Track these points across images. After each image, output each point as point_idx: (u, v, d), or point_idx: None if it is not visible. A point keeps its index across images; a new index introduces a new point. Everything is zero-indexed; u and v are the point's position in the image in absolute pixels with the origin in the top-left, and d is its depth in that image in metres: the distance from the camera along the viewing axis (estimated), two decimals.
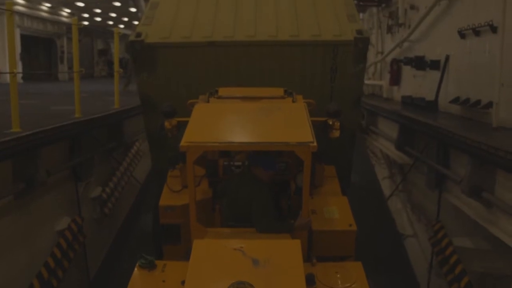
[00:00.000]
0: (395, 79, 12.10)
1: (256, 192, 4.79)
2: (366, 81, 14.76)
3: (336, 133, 5.63)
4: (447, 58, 9.01)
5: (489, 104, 7.18)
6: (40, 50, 33.39)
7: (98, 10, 42.46)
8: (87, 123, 7.98)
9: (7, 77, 6.63)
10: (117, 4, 37.06)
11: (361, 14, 15.70)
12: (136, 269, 4.42)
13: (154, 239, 6.52)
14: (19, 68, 23.14)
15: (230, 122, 4.98)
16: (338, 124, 5.61)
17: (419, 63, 10.19)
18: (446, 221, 7.32)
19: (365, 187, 12.06)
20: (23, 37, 27.66)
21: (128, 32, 29.46)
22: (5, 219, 5.93)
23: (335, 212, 5.41)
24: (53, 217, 7.21)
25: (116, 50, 10.96)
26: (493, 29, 7.18)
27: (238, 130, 4.83)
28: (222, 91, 5.80)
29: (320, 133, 5.35)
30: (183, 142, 4.36)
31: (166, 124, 5.76)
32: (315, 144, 4.31)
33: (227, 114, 5.18)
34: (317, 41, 6.69)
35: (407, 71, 11.36)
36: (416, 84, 10.87)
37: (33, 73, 30.57)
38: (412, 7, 11.17)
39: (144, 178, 11.99)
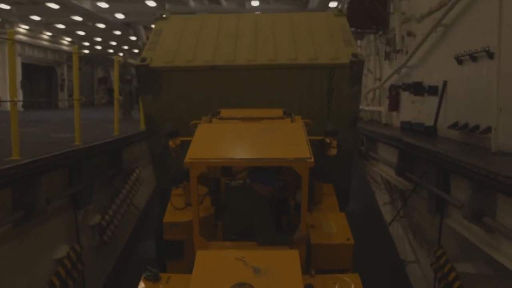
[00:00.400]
0: (394, 105, 12.15)
1: (257, 206, 4.98)
2: (365, 107, 14.88)
3: (333, 151, 5.83)
4: (445, 84, 9.08)
5: (488, 129, 7.20)
6: (40, 78, 33.69)
7: (98, 39, 42.94)
8: (86, 150, 7.98)
9: (8, 105, 6.68)
10: (117, 32, 37.50)
11: (358, 41, 15.86)
12: (141, 281, 4.55)
13: (157, 256, 6.58)
14: (20, 96, 23.28)
15: (231, 141, 5.18)
16: (335, 142, 5.83)
17: (417, 89, 10.24)
18: (448, 246, 7.28)
19: (366, 213, 12.00)
20: (24, 65, 27.90)
21: (133, 61, 29.64)
22: (3, 247, 5.89)
23: (333, 227, 5.62)
24: (52, 245, 7.16)
25: (116, 78, 11.04)
26: (490, 55, 7.25)
27: (239, 148, 5.04)
28: (224, 113, 6.05)
29: (318, 152, 5.49)
30: (187, 159, 4.56)
31: (170, 143, 5.88)
32: (312, 159, 4.50)
33: (229, 133, 5.38)
34: (314, 64, 6.96)
35: (406, 97, 11.42)
36: (414, 109, 10.91)
37: (34, 101, 30.74)
38: (409, 34, 11.28)
39: (144, 206, 11.95)
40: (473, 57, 7.82)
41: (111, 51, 46.91)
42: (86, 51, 40.64)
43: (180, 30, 7.74)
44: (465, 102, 8.30)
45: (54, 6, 27.31)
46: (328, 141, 5.88)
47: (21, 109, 23.74)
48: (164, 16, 8.18)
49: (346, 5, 13.21)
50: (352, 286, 4.54)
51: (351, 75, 6.87)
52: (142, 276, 4.58)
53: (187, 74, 7.05)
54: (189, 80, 7.06)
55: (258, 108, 6.29)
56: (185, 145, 5.29)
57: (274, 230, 5.00)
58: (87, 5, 27.11)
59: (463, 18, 8.43)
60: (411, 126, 10.33)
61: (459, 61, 8.35)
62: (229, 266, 3.99)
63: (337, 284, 4.54)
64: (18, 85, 23.83)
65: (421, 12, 10.27)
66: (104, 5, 27.86)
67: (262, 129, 5.29)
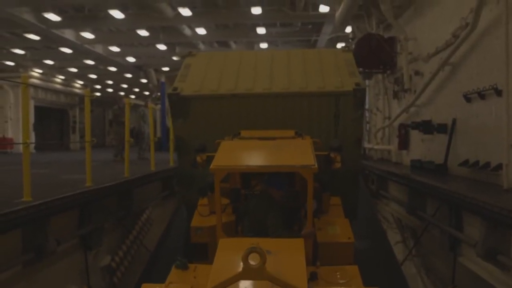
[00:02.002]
0: (404, 144, 12.14)
1: (270, 208, 5.83)
2: (374, 146, 14.88)
3: (338, 165, 6.48)
4: (454, 122, 9.09)
5: (499, 166, 7.17)
6: (52, 120, 34.09)
7: (110, 82, 43.67)
8: (97, 192, 8.01)
9: (20, 147, 6.76)
10: (129, 75, 38.15)
11: (367, 81, 16.00)
12: (173, 268, 5.28)
13: (184, 256, 7.03)
14: (32, 138, 23.55)
15: (249, 153, 6.16)
16: (339, 157, 6.48)
17: (427, 127, 10.25)
18: (462, 286, 7.14)
19: (378, 252, 11.85)
20: (36, 108, 28.34)
21: (139, 102, 30.10)
22: None
23: (337, 229, 6.40)
24: (61, 286, 7.10)
25: (127, 120, 11.13)
26: (498, 92, 7.29)
27: (255, 158, 6.03)
28: (244, 133, 7.04)
29: (325, 166, 6.37)
30: (212, 166, 5.44)
31: (198, 158, 6.74)
32: (315, 166, 5.27)
33: (247, 147, 6.37)
34: (322, 92, 7.90)
35: (415, 135, 11.43)
36: (424, 148, 10.90)
37: (46, 143, 31.05)
38: (417, 73, 11.38)
39: (155, 247, 11.86)
40: (481, 95, 7.85)
41: (122, 93, 47.67)
42: (98, 94, 41.27)
43: (206, 64, 8.86)
44: (475, 140, 8.30)
45: (67, 50, 27.96)
46: (332, 156, 6.52)
47: (33, 150, 23.99)
48: (193, 53, 9.50)
49: (353, 46, 13.39)
50: (351, 275, 5.19)
51: (355, 101, 7.79)
52: (173, 265, 5.27)
53: (212, 101, 8.07)
54: (214, 106, 8.07)
55: (273, 129, 7.21)
56: (210, 160, 5.90)
57: (284, 227, 5.74)
58: (99, 49, 27.74)
59: (470, 56, 8.51)
60: (422, 165, 10.29)
61: (468, 99, 8.39)
62: (245, 248, 4.31)
63: (338, 273, 5.17)
64: (31, 127, 24.15)
65: (428, 51, 10.39)
66: (115, 49, 28.49)
67: (275, 145, 6.23)
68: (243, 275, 3.91)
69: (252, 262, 3.88)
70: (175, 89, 8.11)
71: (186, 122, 8.12)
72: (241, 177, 6.90)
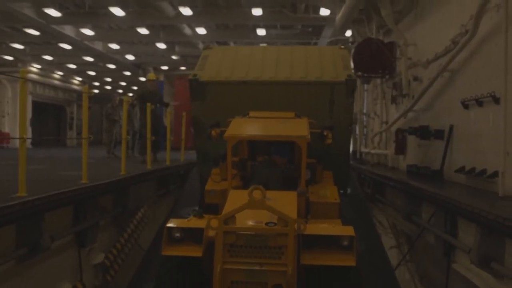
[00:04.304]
0: (400, 149, 12.15)
1: (273, 172, 7.12)
2: (371, 150, 14.88)
3: (329, 141, 7.37)
4: (451, 128, 9.11)
5: (495, 174, 7.18)
6: (50, 116, 34.00)
7: (108, 79, 43.61)
8: (92, 189, 7.98)
9: (17, 142, 6.73)
10: (127, 73, 38.10)
11: (365, 86, 16.01)
12: (191, 216, 6.14)
13: None
14: (29, 133, 23.50)
15: (256, 126, 7.54)
16: (331, 134, 7.37)
17: (424, 132, 10.27)
18: None
19: (372, 257, 11.84)
20: (34, 103, 28.29)
21: None
22: (6, 284, 5.84)
23: (327, 193, 7.48)
24: (54, 283, 7.08)
25: (125, 117, 11.12)
26: (496, 100, 7.30)
27: (260, 129, 7.41)
28: (252, 114, 8.18)
29: (319, 143, 7.37)
30: (226, 134, 6.73)
31: (212, 132, 7.61)
32: (309, 136, 6.59)
33: (254, 122, 7.72)
34: (319, 81, 9.00)
35: (412, 141, 11.44)
36: (421, 153, 10.92)
37: (42, 139, 30.99)
38: (416, 78, 11.39)
39: (149, 246, 11.83)
40: (479, 102, 7.87)
41: (120, 91, 47.62)
42: (96, 91, 41.18)
43: (221, 56, 10.20)
44: (471, 146, 8.31)
45: (67, 46, 27.92)
46: (325, 133, 7.37)
47: (30, 146, 23.93)
48: (210, 46, 11.07)
49: (353, 50, 13.39)
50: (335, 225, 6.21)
51: (347, 90, 8.85)
52: (192, 214, 6.16)
53: (226, 87, 9.25)
54: (227, 91, 9.24)
55: (277, 112, 8.23)
56: (223, 134, 7.01)
57: (282, 186, 6.91)
58: (98, 46, 27.69)
59: (469, 63, 8.53)
60: (418, 170, 10.31)
61: (465, 105, 8.40)
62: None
63: (325, 223, 6.18)
64: (28, 122, 24.10)
65: (427, 57, 10.41)
66: (115, 46, 28.45)
67: (277, 121, 7.54)
68: (248, 206, 5.06)
69: (255, 197, 5.01)
70: (195, 75, 9.28)
71: (203, 104, 9.24)
72: (248, 150, 8.13)
